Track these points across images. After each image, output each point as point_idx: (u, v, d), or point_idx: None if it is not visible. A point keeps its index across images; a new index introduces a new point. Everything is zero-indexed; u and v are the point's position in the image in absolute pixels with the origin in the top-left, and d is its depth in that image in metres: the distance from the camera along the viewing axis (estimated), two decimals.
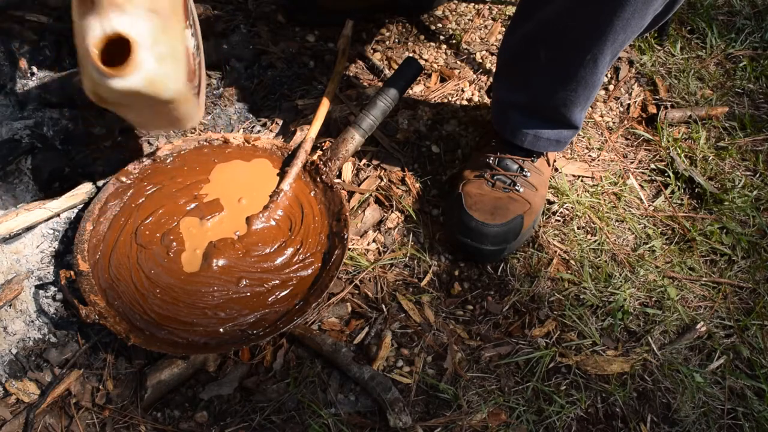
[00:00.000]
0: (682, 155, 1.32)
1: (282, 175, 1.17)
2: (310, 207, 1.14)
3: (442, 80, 1.43)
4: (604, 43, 0.93)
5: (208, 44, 1.39)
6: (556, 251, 1.17)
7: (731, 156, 1.33)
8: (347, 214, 1.11)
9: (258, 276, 1.05)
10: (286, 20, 1.51)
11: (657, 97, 1.44)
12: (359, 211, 1.19)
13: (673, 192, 1.27)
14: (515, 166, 1.16)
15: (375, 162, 1.26)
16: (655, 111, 1.40)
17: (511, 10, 1.59)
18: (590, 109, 1.40)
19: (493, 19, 1.57)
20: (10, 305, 1.03)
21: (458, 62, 1.47)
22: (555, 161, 1.27)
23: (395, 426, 0.93)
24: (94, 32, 0.77)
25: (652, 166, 1.32)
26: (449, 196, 1.19)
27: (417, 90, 1.41)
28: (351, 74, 1.42)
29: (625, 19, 0.88)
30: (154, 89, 0.84)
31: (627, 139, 1.37)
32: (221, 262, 1.05)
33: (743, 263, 1.18)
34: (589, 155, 1.33)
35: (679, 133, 1.37)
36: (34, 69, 1.28)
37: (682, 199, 1.27)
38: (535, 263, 1.15)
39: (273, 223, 1.12)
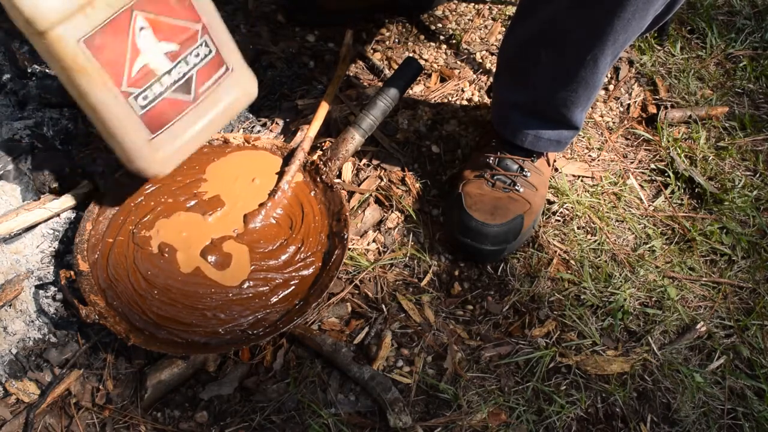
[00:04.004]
0: (682, 155, 1.32)
1: (280, 174, 1.17)
2: (310, 206, 1.14)
3: (442, 80, 1.43)
4: (605, 43, 0.93)
5: None
6: (556, 251, 1.17)
7: (731, 156, 1.33)
8: (347, 214, 1.11)
9: (263, 275, 1.05)
10: (286, 20, 1.51)
11: (657, 97, 1.44)
12: (359, 211, 1.19)
13: (673, 192, 1.27)
14: (515, 166, 1.16)
15: (375, 162, 1.26)
16: (655, 111, 1.40)
17: (511, 10, 1.59)
18: (590, 109, 1.40)
19: (493, 19, 1.57)
20: (10, 305, 1.03)
21: (458, 62, 1.47)
22: (555, 161, 1.27)
23: (395, 426, 0.93)
24: None
25: (652, 166, 1.32)
26: (449, 196, 1.19)
27: (417, 90, 1.41)
28: (351, 74, 1.42)
29: (625, 19, 0.88)
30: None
31: (627, 139, 1.37)
32: (222, 260, 1.06)
33: (743, 263, 1.18)
34: (589, 155, 1.33)
35: (679, 133, 1.37)
36: (35, 69, 1.28)
37: (682, 199, 1.27)
38: (535, 263, 1.15)
39: (273, 221, 1.12)
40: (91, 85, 0.89)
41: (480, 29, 1.55)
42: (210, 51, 1.00)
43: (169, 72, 0.96)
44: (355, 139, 1.17)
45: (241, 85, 1.07)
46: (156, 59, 0.94)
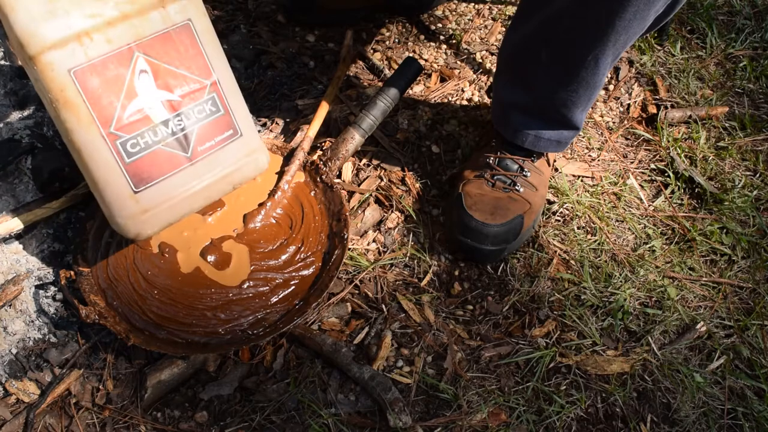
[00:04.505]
0: (682, 155, 1.32)
1: (280, 174, 1.17)
2: (310, 206, 1.14)
3: (442, 80, 1.43)
4: (606, 43, 0.92)
5: None
6: (556, 251, 1.17)
7: (731, 156, 1.33)
8: (347, 214, 1.11)
9: (263, 275, 1.05)
10: (286, 20, 1.51)
11: (657, 97, 1.44)
12: (359, 211, 1.19)
13: (673, 192, 1.27)
14: (515, 166, 1.16)
15: (375, 162, 1.26)
16: (655, 111, 1.40)
17: (511, 10, 1.59)
18: (590, 109, 1.40)
19: (493, 19, 1.57)
20: (10, 305, 1.03)
21: (458, 62, 1.47)
22: (555, 161, 1.27)
23: (395, 426, 0.93)
24: None
25: (652, 166, 1.32)
26: (449, 196, 1.19)
27: (417, 90, 1.41)
28: (351, 74, 1.42)
29: (626, 19, 0.88)
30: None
31: (627, 139, 1.37)
32: (222, 260, 1.06)
33: (743, 263, 1.18)
34: (589, 155, 1.33)
35: (679, 133, 1.37)
36: None
37: (682, 199, 1.27)
38: (535, 263, 1.15)
39: (273, 221, 1.12)
40: (76, 120, 0.83)
41: (480, 29, 1.55)
42: (218, 110, 0.94)
43: (165, 122, 0.90)
44: (355, 139, 1.17)
45: (249, 153, 0.99)
46: (153, 106, 0.88)
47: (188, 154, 0.92)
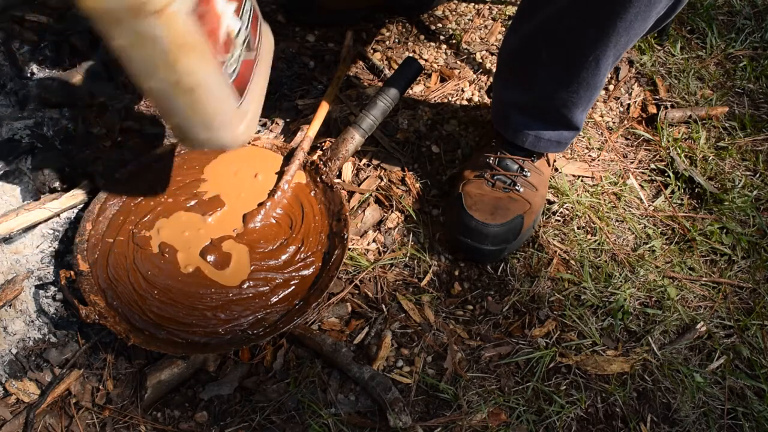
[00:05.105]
0: (682, 155, 1.32)
1: (280, 173, 1.17)
2: (310, 206, 1.14)
3: (442, 80, 1.43)
4: (606, 44, 0.92)
5: None
6: (556, 251, 1.17)
7: (731, 156, 1.33)
8: (347, 214, 1.11)
9: (263, 275, 1.05)
10: (286, 20, 1.51)
11: (657, 97, 1.44)
12: (359, 211, 1.19)
13: (673, 192, 1.27)
14: (515, 166, 1.16)
15: (375, 162, 1.26)
16: (655, 111, 1.40)
17: (511, 10, 1.59)
18: (590, 109, 1.40)
19: (493, 19, 1.57)
20: (10, 305, 1.03)
21: (458, 62, 1.47)
22: (555, 161, 1.27)
23: (395, 426, 0.93)
24: None
25: (652, 166, 1.32)
26: (449, 196, 1.19)
27: (417, 90, 1.41)
28: (351, 74, 1.42)
29: (627, 20, 0.88)
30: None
31: (627, 139, 1.37)
32: (222, 260, 1.06)
33: (743, 263, 1.18)
34: (589, 155, 1.33)
35: (679, 133, 1.37)
36: (34, 69, 1.27)
37: (682, 199, 1.27)
38: (535, 263, 1.15)
39: (273, 221, 1.12)
40: (199, 60, 0.82)
41: (480, 29, 1.55)
42: (251, 4, 0.95)
43: (238, 32, 0.90)
44: (355, 139, 1.17)
45: (269, 35, 1.05)
46: (232, 21, 0.88)
47: (254, 53, 0.95)
